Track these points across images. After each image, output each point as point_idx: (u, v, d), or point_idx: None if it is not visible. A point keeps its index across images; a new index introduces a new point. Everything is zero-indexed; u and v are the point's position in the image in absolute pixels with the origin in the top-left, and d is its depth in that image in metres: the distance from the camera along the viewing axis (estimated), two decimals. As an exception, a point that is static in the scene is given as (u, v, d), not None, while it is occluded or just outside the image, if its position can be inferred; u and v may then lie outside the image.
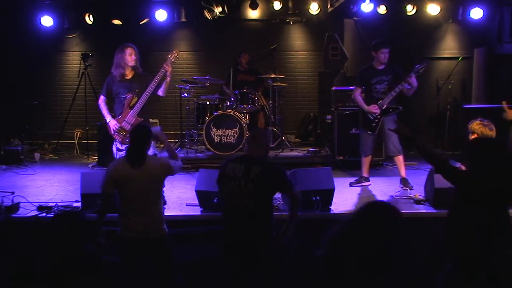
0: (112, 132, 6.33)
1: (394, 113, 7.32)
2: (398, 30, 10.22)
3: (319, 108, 10.73)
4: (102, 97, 6.48)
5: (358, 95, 7.44)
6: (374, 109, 7.27)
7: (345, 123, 8.75)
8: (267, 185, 4.42)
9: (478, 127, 5.22)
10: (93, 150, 10.02)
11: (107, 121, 6.37)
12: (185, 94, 9.80)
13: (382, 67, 7.33)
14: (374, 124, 7.32)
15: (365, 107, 7.31)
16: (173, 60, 6.39)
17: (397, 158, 7.27)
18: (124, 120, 6.28)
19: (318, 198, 6.04)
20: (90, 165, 9.41)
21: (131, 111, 6.27)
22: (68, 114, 10.66)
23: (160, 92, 6.36)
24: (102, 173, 5.11)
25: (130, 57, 6.28)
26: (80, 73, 10.41)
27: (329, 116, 9.35)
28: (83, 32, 11.10)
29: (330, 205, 6.23)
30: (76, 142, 10.83)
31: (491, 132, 5.20)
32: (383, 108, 7.25)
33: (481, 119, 5.31)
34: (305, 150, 9.32)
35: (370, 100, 7.37)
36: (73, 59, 11.16)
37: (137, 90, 6.31)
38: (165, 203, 6.18)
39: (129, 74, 6.38)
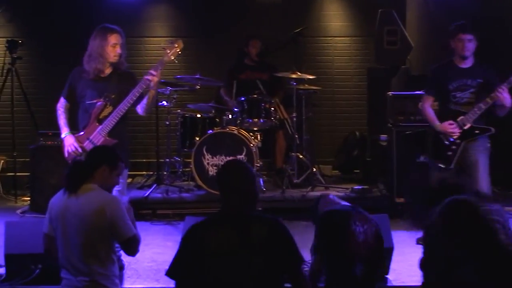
0: (66, 154, 5.67)
1: (483, 136, 6.26)
2: (492, 8, 8.34)
3: (368, 124, 9.18)
4: (62, 100, 5.84)
5: (428, 106, 6.51)
6: (451, 128, 6.28)
7: (408, 146, 7.58)
8: (277, 256, 3.53)
9: None
10: (24, 187, 8.75)
11: (62, 136, 5.74)
12: (164, 103, 8.37)
13: (466, 65, 6.25)
14: (450, 153, 6.35)
15: (438, 124, 6.37)
16: (172, 58, 5.64)
17: None
18: (88, 139, 5.63)
19: None
20: (18, 211, 8.24)
21: (100, 126, 5.58)
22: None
23: (139, 109, 5.67)
24: (36, 223, 5.06)
25: (113, 49, 5.60)
26: (5, 70, 8.87)
27: (383, 136, 8.27)
28: (10, 9, 9.55)
29: (387, 274, 5.37)
30: (-2, 175, 9.65)
31: None
32: (466, 127, 6.30)
33: None
34: (347, 189, 8.05)
35: (445, 114, 6.41)
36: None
37: (113, 96, 5.54)
38: (122, 267, 5.79)
39: (106, 71, 5.66)
